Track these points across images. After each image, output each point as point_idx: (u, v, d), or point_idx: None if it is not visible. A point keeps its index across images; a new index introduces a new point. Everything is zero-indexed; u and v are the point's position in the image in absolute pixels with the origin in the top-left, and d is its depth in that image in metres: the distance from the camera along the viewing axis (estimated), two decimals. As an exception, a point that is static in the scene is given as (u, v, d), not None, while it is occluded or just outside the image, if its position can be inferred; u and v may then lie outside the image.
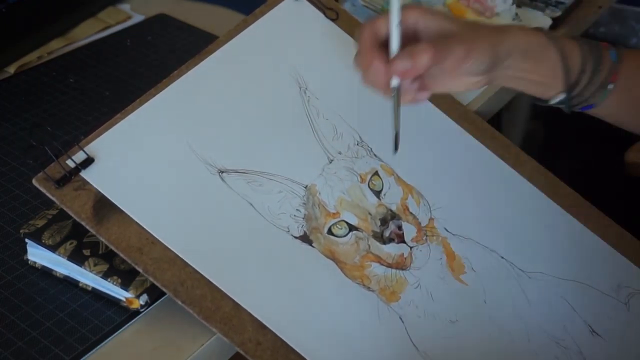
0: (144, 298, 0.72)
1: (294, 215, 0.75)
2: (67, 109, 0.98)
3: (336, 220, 0.76)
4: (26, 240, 0.75)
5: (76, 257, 0.73)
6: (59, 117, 0.96)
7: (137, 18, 1.18)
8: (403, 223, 0.78)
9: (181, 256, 0.69)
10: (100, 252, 0.73)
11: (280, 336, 0.68)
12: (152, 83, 0.77)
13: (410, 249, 0.77)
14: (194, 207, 0.72)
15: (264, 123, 0.79)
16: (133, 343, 0.71)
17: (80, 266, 0.73)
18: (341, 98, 0.80)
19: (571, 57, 0.75)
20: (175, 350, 0.70)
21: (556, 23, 1.21)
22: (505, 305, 0.78)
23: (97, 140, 0.72)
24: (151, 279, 0.67)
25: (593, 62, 0.76)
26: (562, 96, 0.77)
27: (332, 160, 0.79)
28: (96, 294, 0.73)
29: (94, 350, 0.69)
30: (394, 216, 0.78)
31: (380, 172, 0.80)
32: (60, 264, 0.74)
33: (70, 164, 0.69)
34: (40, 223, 0.75)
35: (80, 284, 0.74)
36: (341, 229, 0.75)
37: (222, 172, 0.74)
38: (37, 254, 0.75)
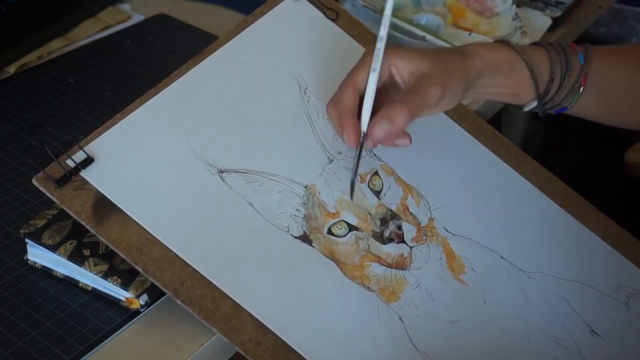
0: (144, 298, 0.72)
1: (294, 215, 0.75)
2: (67, 109, 0.98)
3: (336, 220, 0.76)
4: (26, 240, 0.75)
5: (76, 257, 0.73)
6: (59, 117, 0.96)
7: (137, 18, 1.18)
8: (403, 223, 0.78)
9: (181, 256, 0.69)
10: (100, 252, 0.73)
11: (280, 336, 0.68)
12: (152, 83, 0.77)
13: (410, 249, 0.77)
14: (194, 207, 0.72)
15: (264, 123, 0.79)
16: (133, 343, 0.71)
17: (80, 266, 0.73)
18: (341, 98, 0.80)
19: (539, 66, 0.78)
20: (175, 350, 0.70)
21: (556, 23, 1.21)
22: (505, 305, 0.78)
23: (97, 140, 0.72)
24: (151, 279, 0.67)
25: (562, 69, 0.79)
26: (534, 103, 0.80)
27: (332, 160, 0.79)
28: (96, 294, 0.73)
29: (94, 350, 0.69)
30: (393, 216, 0.78)
31: (380, 172, 0.80)
32: (60, 264, 0.74)
33: (70, 163, 0.69)
34: (40, 223, 0.75)
35: (80, 284, 0.74)
36: (341, 229, 0.75)
37: (222, 172, 0.74)
38: (37, 254, 0.75)
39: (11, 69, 1.04)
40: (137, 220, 0.69)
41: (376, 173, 0.80)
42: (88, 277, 0.73)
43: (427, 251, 0.78)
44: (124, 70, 1.06)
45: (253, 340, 0.68)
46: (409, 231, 0.78)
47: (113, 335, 0.71)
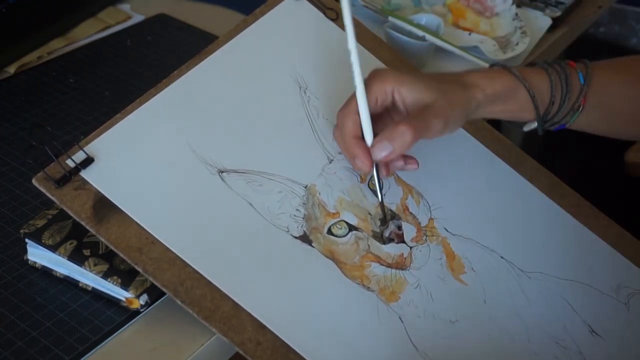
0: (144, 298, 0.72)
1: (294, 215, 0.75)
2: (67, 109, 0.98)
3: (336, 220, 0.76)
4: (26, 240, 0.75)
5: (76, 257, 0.73)
6: (59, 117, 0.96)
7: (137, 18, 1.18)
8: (403, 223, 0.78)
9: (181, 256, 0.69)
10: (100, 252, 0.73)
11: (280, 336, 0.68)
12: (152, 83, 0.77)
13: (410, 249, 0.77)
14: (193, 207, 0.72)
15: (264, 123, 0.79)
16: (133, 343, 0.71)
17: (80, 266, 0.73)
18: (341, 98, 0.79)
19: (540, 90, 0.79)
20: (175, 350, 0.70)
21: (556, 23, 1.21)
22: (505, 305, 0.78)
23: (97, 140, 0.72)
24: (151, 279, 0.67)
25: (562, 91, 0.80)
26: (533, 124, 0.81)
27: (332, 160, 0.79)
28: (96, 294, 0.73)
29: (94, 350, 0.69)
30: (393, 216, 0.78)
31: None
32: (60, 264, 0.74)
33: (70, 163, 0.69)
34: (40, 223, 0.75)
35: (80, 284, 0.74)
36: (341, 228, 0.75)
37: (222, 172, 0.74)
38: (37, 254, 0.75)
39: (11, 69, 1.04)
40: (137, 221, 0.69)
41: (376, 173, 0.79)
42: (88, 277, 0.73)
43: (427, 251, 0.78)
44: (124, 70, 1.06)
45: (253, 340, 0.68)
46: (409, 231, 0.78)
47: (113, 335, 0.71)
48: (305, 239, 0.74)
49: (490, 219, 0.83)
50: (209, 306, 0.68)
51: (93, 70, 1.05)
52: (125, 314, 0.72)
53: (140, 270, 0.67)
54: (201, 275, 0.68)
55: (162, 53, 1.10)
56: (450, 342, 0.74)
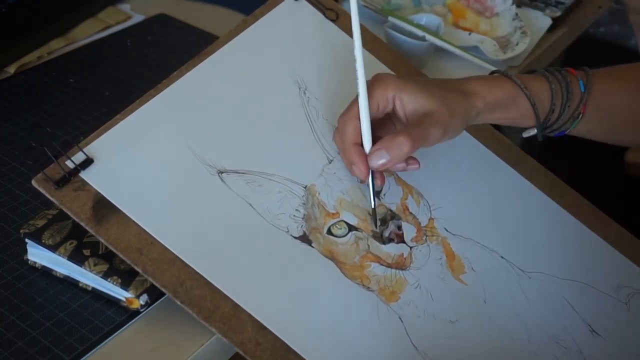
0: (144, 298, 0.72)
1: (294, 216, 0.75)
2: (67, 109, 0.98)
3: (336, 220, 0.76)
4: (26, 240, 0.75)
5: (76, 257, 0.73)
6: (59, 117, 0.96)
7: (137, 18, 1.18)
8: (403, 223, 0.78)
9: (180, 257, 0.69)
10: (100, 252, 0.73)
11: (280, 336, 0.68)
12: (152, 83, 0.77)
13: (410, 249, 0.77)
14: (193, 207, 0.72)
15: (264, 123, 0.79)
16: (133, 343, 0.71)
17: (80, 266, 0.73)
18: (341, 98, 0.80)
19: (540, 98, 0.79)
20: (175, 350, 0.70)
21: (556, 23, 1.21)
22: (505, 305, 0.78)
23: (96, 141, 0.72)
24: (150, 279, 0.67)
25: (562, 99, 0.80)
26: (533, 131, 0.81)
27: (331, 161, 0.79)
28: (96, 294, 0.73)
29: (94, 350, 0.69)
30: (393, 216, 0.78)
31: (380, 172, 0.80)
32: (60, 264, 0.74)
33: (70, 164, 0.69)
34: (40, 223, 0.75)
35: (80, 284, 0.74)
36: (340, 229, 0.75)
37: (222, 172, 0.74)
38: (37, 254, 0.75)
39: (11, 69, 1.04)
40: (137, 221, 0.69)
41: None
42: (88, 277, 0.73)
43: (427, 251, 0.78)
44: (124, 70, 1.06)
45: (253, 341, 0.68)
46: (408, 231, 0.78)
47: (113, 335, 0.71)
48: (305, 239, 0.74)
49: (490, 218, 0.83)
50: (208, 306, 0.68)
51: (93, 70, 1.05)
52: (125, 314, 0.72)
53: (139, 270, 0.67)
54: (201, 276, 0.68)
55: (162, 53, 1.10)
56: (450, 342, 0.74)
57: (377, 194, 0.78)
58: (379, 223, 0.77)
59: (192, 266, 0.69)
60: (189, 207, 0.72)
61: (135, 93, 0.77)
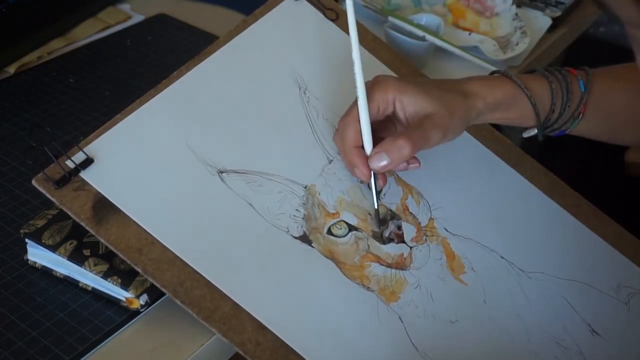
0: (144, 298, 0.72)
1: (294, 216, 0.75)
2: (67, 109, 0.98)
3: (336, 220, 0.76)
4: (26, 240, 0.75)
5: (76, 257, 0.73)
6: (59, 117, 0.96)
7: (137, 18, 1.18)
8: (403, 223, 0.78)
9: (180, 257, 0.69)
10: (100, 252, 0.73)
11: (280, 336, 0.68)
12: (152, 83, 0.77)
13: (410, 249, 0.77)
14: (193, 207, 0.72)
15: (264, 123, 0.79)
16: (133, 343, 0.71)
17: (80, 266, 0.73)
18: (341, 99, 0.80)
19: (540, 98, 0.80)
20: (175, 350, 0.70)
21: (556, 23, 1.21)
22: (505, 305, 0.78)
23: (96, 140, 0.72)
24: (150, 279, 0.67)
25: (562, 99, 0.80)
26: (533, 131, 0.82)
27: (331, 161, 0.79)
28: (96, 294, 0.73)
29: (94, 350, 0.69)
30: (393, 216, 0.78)
31: (380, 172, 0.80)
32: (60, 264, 0.74)
33: (70, 164, 0.69)
34: (40, 223, 0.75)
35: (80, 284, 0.74)
36: (341, 229, 0.75)
37: (222, 172, 0.74)
38: (37, 254, 0.75)
39: (11, 69, 1.04)
40: (137, 221, 0.69)
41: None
42: (88, 277, 0.73)
43: (427, 251, 0.78)
44: (124, 70, 1.06)
45: (253, 341, 0.68)
46: (408, 231, 0.78)
47: (113, 335, 0.71)
48: (305, 239, 0.74)
49: (490, 218, 0.83)
50: (208, 306, 0.68)
51: (93, 70, 1.05)
52: (125, 314, 0.72)
53: (139, 270, 0.67)
54: (201, 276, 0.68)
55: (162, 53, 1.10)
56: (450, 342, 0.74)
57: (377, 192, 0.78)
58: (377, 225, 0.77)
59: (192, 266, 0.69)
60: (189, 207, 0.72)
61: (135, 93, 0.77)
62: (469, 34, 1.14)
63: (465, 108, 0.75)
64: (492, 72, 0.83)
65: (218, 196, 0.73)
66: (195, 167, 0.74)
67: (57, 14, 1.13)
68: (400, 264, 0.76)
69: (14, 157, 0.89)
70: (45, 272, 0.75)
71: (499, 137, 0.90)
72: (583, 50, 1.34)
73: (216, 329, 0.67)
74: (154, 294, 0.72)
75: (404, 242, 0.77)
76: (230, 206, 0.73)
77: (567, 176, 0.92)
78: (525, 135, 0.82)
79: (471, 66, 1.08)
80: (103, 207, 0.68)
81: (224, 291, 0.68)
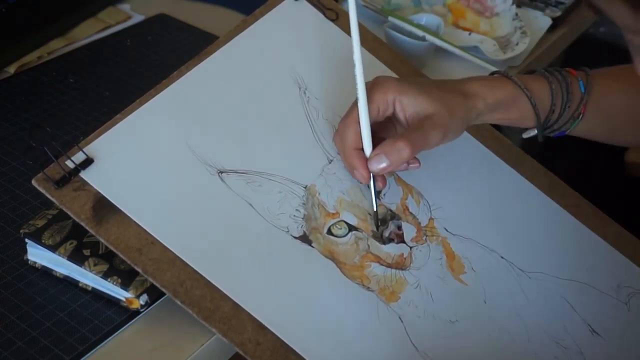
0: (144, 298, 0.72)
1: (294, 216, 0.75)
2: (67, 109, 0.98)
3: (336, 220, 0.76)
4: (26, 240, 0.75)
5: (76, 257, 0.73)
6: (59, 117, 0.96)
7: (137, 18, 1.18)
8: (403, 223, 0.78)
9: (180, 257, 0.69)
10: (100, 252, 0.73)
11: (280, 336, 0.68)
12: (152, 83, 0.77)
13: (410, 249, 0.77)
14: (193, 207, 0.72)
15: (264, 123, 0.79)
16: (133, 343, 0.71)
17: (80, 266, 0.73)
18: (341, 99, 0.80)
19: (540, 99, 0.80)
20: (175, 350, 0.70)
21: (556, 23, 1.21)
22: (505, 305, 0.78)
23: (96, 140, 0.72)
24: (150, 279, 0.67)
25: (562, 99, 0.81)
26: (533, 132, 0.82)
27: (331, 161, 0.79)
28: (96, 294, 0.73)
29: (94, 350, 0.69)
30: (393, 216, 0.78)
31: (380, 172, 0.80)
32: (60, 264, 0.74)
33: (70, 164, 0.69)
34: (40, 223, 0.75)
35: (80, 284, 0.74)
36: (341, 229, 0.75)
37: (222, 172, 0.74)
38: (37, 254, 0.75)
39: (11, 69, 1.04)
40: (137, 221, 0.69)
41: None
42: (88, 277, 0.73)
43: (427, 251, 0.78)
44: (124, 70, 1.06)
45: (253, 341, 0.68)
46: (408, 231, 0.78)
47: (113, 335, 0.71)
48: (305, 239, 0.74)
49: (490, 218, 0.83)
50: (208, 306, 0.68)
51: (93, 70, 1.05)
52: (125, 314, 0.72)
53: (139, 270, 0.67)
54: (201, 276, 0.68)
55: (162, 53, 1.10)
56: (450, 342, 0.74)
57: (377, 194, 0.78)
58: (379, 224, 0.77)
59: (192, 266, 0.69)
60: (189, 207, 0.72)
61: (135, 93, 0.77)
62: (469, 34, 1.14)
63: (466, 108, 0.75)
64: (492, 73, 0.83)
65: (218, 196, 0.73)
66: (195, 167, 0.74)
67: (57, 14, 1.13)
68: (400, 264, 0.76)
69: (14, 157, 0.89)
70: (45, 272, 0.75)
71: (499, 137, 0.90)
72: (583, 51, 1.35)
73: (216, 329, 0.67)
74: (154, 294, 0.72)
75: (404, 242, 0.77)
76: (230, 206, 0.73)
77: (567, 176, 0.92)
78: (525, 136, 0.82)
79: (471, 66, 1.08)
80: (103, 207, 0.68)
81: (224, 291, 0.68)
